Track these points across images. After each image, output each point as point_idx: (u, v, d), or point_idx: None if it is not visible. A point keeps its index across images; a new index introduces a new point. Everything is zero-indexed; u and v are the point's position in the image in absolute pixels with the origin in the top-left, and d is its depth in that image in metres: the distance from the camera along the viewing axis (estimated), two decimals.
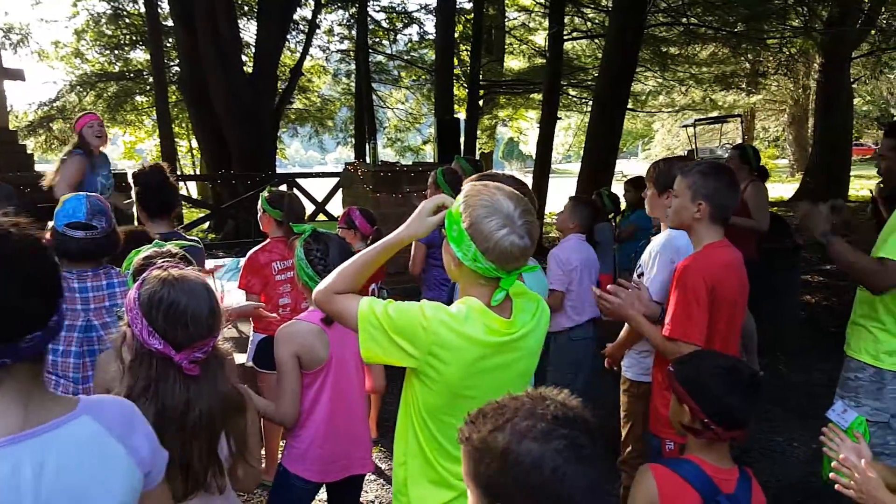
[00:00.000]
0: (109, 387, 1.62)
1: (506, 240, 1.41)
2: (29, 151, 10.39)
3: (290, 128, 21.92)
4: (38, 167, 10.16)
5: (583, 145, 12.21)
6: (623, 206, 6.37)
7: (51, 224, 2.23)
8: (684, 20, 12.10)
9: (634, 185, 5.81)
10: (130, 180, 3.32)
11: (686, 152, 20.85)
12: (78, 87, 17.72)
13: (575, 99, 17.71)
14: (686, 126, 21.95)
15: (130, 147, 21.57)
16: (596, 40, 15.20)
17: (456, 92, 13.32)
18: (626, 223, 5.81)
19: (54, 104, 17.58)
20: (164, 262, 1.59)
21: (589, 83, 15.63)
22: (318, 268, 2.14)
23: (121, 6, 17.43)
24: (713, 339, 2.21)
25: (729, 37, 13.21)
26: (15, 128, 12.46)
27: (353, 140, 17.64)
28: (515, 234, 1.41)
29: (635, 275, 2.74)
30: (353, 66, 18.20)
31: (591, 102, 12.60)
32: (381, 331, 1.46)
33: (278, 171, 14.28)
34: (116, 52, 18.11)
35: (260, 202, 3.44)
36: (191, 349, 1.48)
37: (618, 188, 6.90)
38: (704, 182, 2.26)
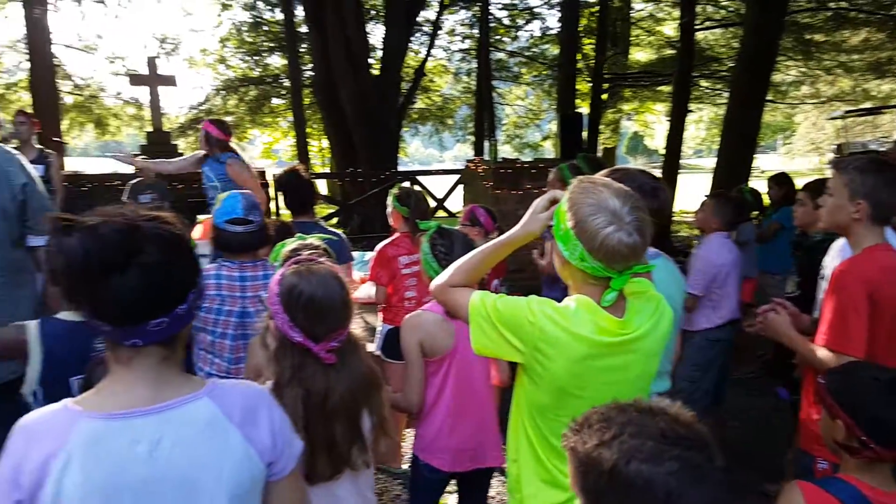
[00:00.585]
0: (259, 371, 1.75)
1: (613, 237, 1.36)
2: (179, 151, 11.38)
3: (411, 127, 22.47)
4: None
5: (716, 139, 11.54)
6: (766, 203, 5.93)
7: (201, 218, 2.44)
8: (832, 4, 11.11)
9: (778, 181, 5.40)
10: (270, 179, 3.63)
11: (835, 147, 19.10)
12: (222, 91, 19.20)
13: (707, 91, 16.80)
14: (834, 118, 20.12)
15: (268, 147, 23.04)
16: (731, 29, 14.32)
17: (579, 86, 13.05)
18: (769, 222, 5.42)
19: (202, 107, 19.16)
20: (308, 254, 1.71)
21: (723, 74, 14.76)
22: (442, 263, 2.20)
23: (260, 15, 18.66)
24: (874, 351, 1.99)
25: (885, 20, 11.96)
26: (168, 129, 13.69)
27: (473, 137, 17.79)
28: (623, 231, 1.36)
29: (820, 277, 2.50)
30: (473, 65, 18.35)
31: (725, 94, 11.89)
32: (490, 323, 1.47)
33: (399, 168, 14.71)
34: (256, 58, 19.40)
35: (389, 199, 3.56)
36: (327, 340, 1.58)
37: (756, 184, 6.45)
38: (863, 179, 2.04)
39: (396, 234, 3.56)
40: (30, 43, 12.08)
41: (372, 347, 3.74)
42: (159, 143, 10.65)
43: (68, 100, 16.66)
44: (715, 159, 9.96)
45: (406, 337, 2.20)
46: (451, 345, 2.22)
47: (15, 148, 3.15)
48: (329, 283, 1.61)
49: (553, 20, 24.64)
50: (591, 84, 14.05)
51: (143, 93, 14.40)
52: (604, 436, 0.97)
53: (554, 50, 18.23)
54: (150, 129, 11.24)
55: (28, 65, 12.95)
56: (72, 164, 13.45)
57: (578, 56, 13.97)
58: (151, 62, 10.79)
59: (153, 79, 10.71)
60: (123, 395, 1.08)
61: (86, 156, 32.60)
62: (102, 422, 1.05)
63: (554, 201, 1.53)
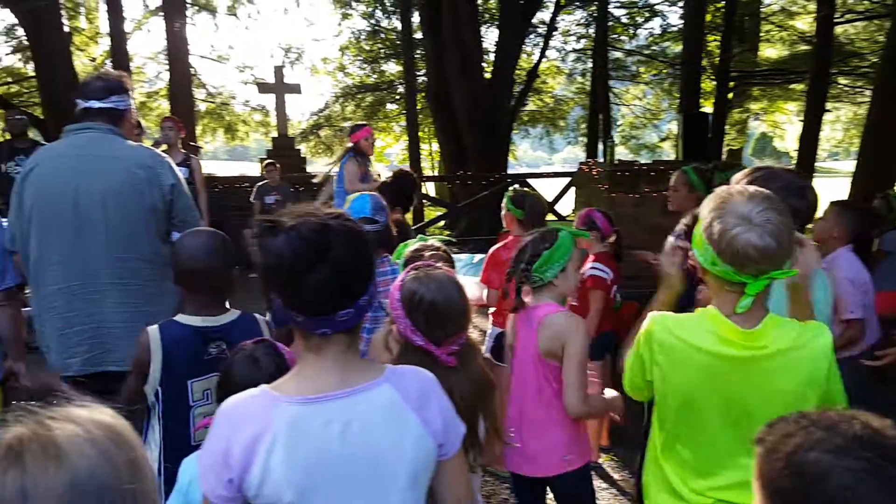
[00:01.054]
0: None
1: (740, 239, 1.32)
2: (302, 155, 11.97)
3: (521, 129, 22.35)
4: (308, 168, 11.72)
5: (854, 141, 10.59)
6: None
7: None
8: None
9: None
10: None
11: None
12: (341, 98, 20.02)
13: (846, 88, 15.46)
14: None
15: (381, 151, 23.78)
16: (876, 21, 13.10)
17: (702, 85, 12.42)
18: None
19: (322, 113, 20.07)
20: (429, 255, 1.74)
21: (865, 70, 13.51)
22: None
23: (378, 23, 19.28)
24: None
25: None
26: (292, 135, 14.45)
27: (585, 139, 17.41)
28: (753, 233, 1.32)
29: None
30: (588, 65, 17.97)
31: (867, 92, 10.90)
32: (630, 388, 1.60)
33: (508, 171, 14.65)
34: (373, 65, 20.08)
35: (504, 201, 3.53)
36: (448, 343, 1.64)
37: None
38: None
39: (510, 237, 3.53)
40: (170, 54, 13.14)
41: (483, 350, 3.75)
42: (284, 147, 11.23)
43: (202, 107, 17.98)
44: (853, 162, 9.18)
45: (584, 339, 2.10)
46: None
47: (164, 151, 3.44)
48: (448, 288, 1.67)
49: (674, 17, 23.65)
50: (715, 82, 13.34)
51: (269, 100, 15.30)
52: (795, 427, 0.95)
53: (675, 47, 17.49)
54: (275, 134, 11.89)
55: (168, 75, 14.09)
56: (204, 167, 14.46)
57: (702, 53, 13.32)
58: (278, 71, 11.42)
59: (279, 87, 11.32)
60: (315, 380, 1.18)
61: (215, 159, 35.12)
62: (300, 405, 1.14)
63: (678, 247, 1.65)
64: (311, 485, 1.12)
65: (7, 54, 14.82)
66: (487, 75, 13.84)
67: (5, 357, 2.49)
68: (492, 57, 14.69)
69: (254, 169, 15.47)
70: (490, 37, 16.97)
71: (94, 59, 16.64)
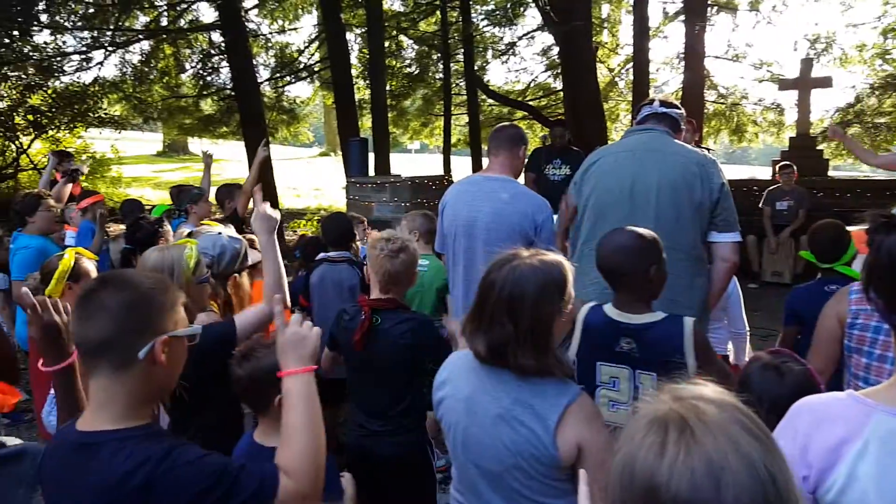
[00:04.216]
0: None
1: None
2: (825, 157, 10.41)
3: None
4: (831, 172, 10.13)
5: None
6: None
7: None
8: None
9: None
10: None
11: None
12: (878, 90, 16.74)
13: None
14: None
15: None
16: None
17: None
18: None
19: (851, 108, 17.20)
20: None
21: None
22: None
23: None
24: None
25: None
26: (812, 134, 12.76)
27: None
28: None
29: None
30: None
31: None
32: None
33: None
34: None
35: None
36: None
37: None
38: None
39: None
40: (686, 57, 13.08)
41: None
42: (803, 148, 9.99)
43: (710, 108, 17.48)
44: None
45: None
46: None
47: None
48: None
49: None
50: None
51: (786, 97, 13.88)
52: None
53: None
54: (792, 134, 10.69)
55: (677, 79, 14.11)
56: None
57: None
58: (805, 64, 10.18)
59: (804, 82, 10.11)
60: None
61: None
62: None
63: None
64: None
65: (542, 72, 17.24)
66: None
67: None
68: None
69: (751, 172, 14.31)
70: None
71: (611, 70, 17.99)
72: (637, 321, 2.05)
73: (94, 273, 3.08)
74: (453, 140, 16.13)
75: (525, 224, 2.99)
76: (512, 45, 16.56)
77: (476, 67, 14.99)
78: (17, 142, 12.45)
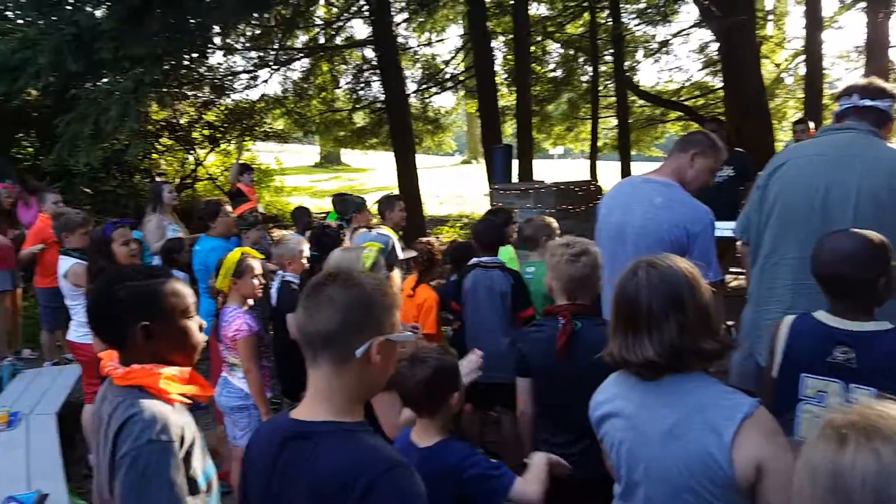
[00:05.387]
0: None
1: None
2: None
3: None
4: None
5: None
6: None
7: None
8: None
9: None
10: None
11: None
12: None
13: None
14: None
15: None
16: None
17: None
18: None
19: None
20: None
21: None
22: None
23: None
24: None
25: None
26: None
27: None
28: None
29: None
30: None
31: None
32: None
33: None
34: None
35: None
36: None
37: None
38: None
39: None
40: (867, 48, 11.71)
41: None
42: None
43: None
44: None
45: None
46: None
47: None
48: None
49: None
50: None
51: None
52: None
53: None
54: None
55: (858, 73, 12.65)
56: None
57: None
58: None
59: None
60: None
61: None
62: None
63: None
64: None
65: (699, 70, 16.23)
66: None
67: None
68: None
69: None
70: None
71: (778, 66, 16.54)
72: (858, 328, 1.86)
73: (258, 270, 3.34)
74: (599, 144, 15.64)
75: (676, 234, 2.67)
76: (665, 43, 15.80)
77: (626, 68, 14.44)
78: (194, 154, 13.78)
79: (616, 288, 1.65)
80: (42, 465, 3.29)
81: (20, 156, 10.91)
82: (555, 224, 4.13)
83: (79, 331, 4.05)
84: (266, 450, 1.36)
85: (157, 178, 10.96)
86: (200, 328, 1.69)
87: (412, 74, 15.99)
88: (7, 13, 8.71)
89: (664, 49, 16.00)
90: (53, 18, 7.84)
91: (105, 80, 8.49)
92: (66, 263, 4.19)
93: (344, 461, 1.23)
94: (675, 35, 15.70)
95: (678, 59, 29.90)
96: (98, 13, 8.26)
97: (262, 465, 1.35)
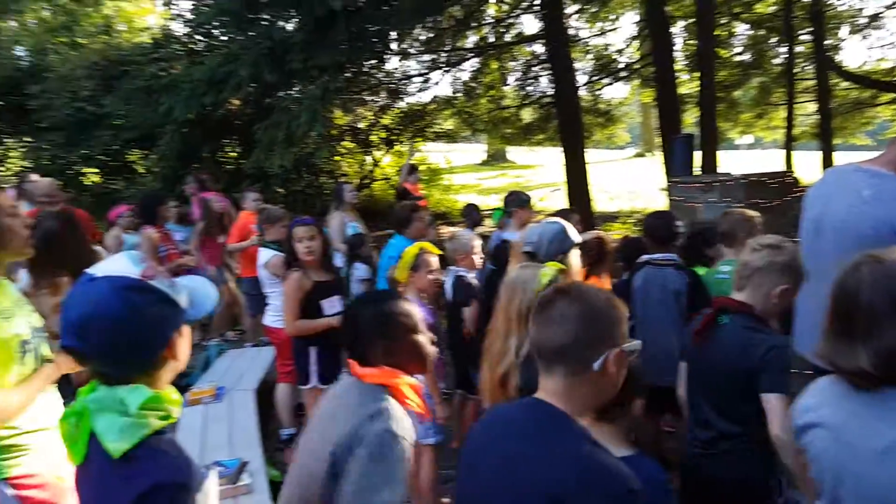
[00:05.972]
0: None
1: None
2: None
3: None
4: None
5: None
6: None
7: None
8: None
9: None
10: None
11: None
12: None
13: None
14: None
15: None
16: None
17: None
18: None
19: None
20: None
21: None
22: None
23: None
24: None
25: None
26: None
27: None
28: None
29: None
30: None
31: None
32: None
33: None
34: None
35: None
36: None
37: None
38: None
39: None
40: None
41: None
42: None
43: None
44: None
45: None
46: None
47: None
48: None
49: None
50: None
51: None
52: None
53: None
54: None
55: None
56: None
57: None
58: None
59: None
60: None
61: None
62: None
63: None
64: None
65: None
66: None
67: None
68: None
69: None
70: None
71: None
72: None
73: (434, 265, 3.40)
74: (796, 132, 14.11)
75: (883, 231, 2.29)
76: (875, 16, 13.88)
77: (827, 47, 12.88)
78: (372, 156, 14.59)
79: (834, 283, 1.52)
80: (242, 436, 3.61)
81: (223, 160, 12.27)
82: (757, 218, 3.60)
83: (273, 315, 4.41)
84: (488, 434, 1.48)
85: (340, 179, 11.74)
86: (431, 342, 1.95)
87: (583, 66, 15.58)
88: (213, 31, 9.79)
89: (874, 23, 14.06)
90: (251, 34, 8.68)
91: (295, 88, 9.23)
92: (265, 255, 4.63)
93: (569, 461, 1.29)
94: (889, 6, 13.73)
95: (892, 34, 26.18)
96: (289, 27, 8.99)
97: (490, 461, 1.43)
